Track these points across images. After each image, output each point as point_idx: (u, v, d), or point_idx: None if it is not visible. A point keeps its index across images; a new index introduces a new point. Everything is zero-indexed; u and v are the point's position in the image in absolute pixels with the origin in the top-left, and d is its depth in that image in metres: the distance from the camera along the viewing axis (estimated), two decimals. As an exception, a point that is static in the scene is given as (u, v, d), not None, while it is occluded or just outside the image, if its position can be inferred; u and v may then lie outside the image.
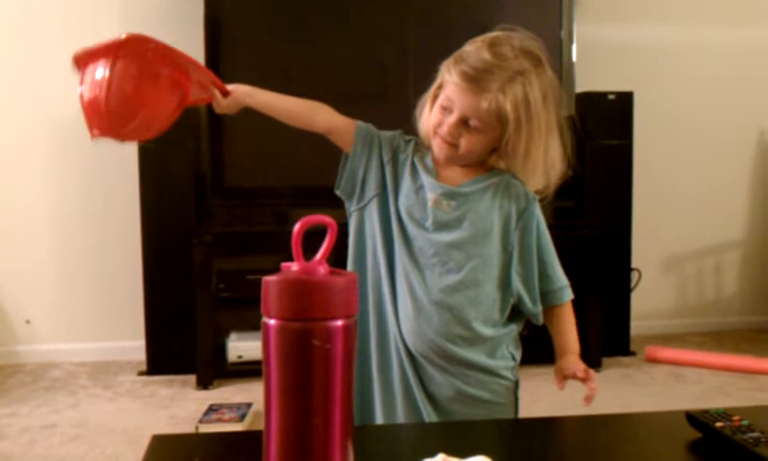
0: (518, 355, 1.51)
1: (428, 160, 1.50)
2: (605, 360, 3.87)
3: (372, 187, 1.52)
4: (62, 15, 3.94)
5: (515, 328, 1.50)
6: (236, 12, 3.77)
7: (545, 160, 1.45)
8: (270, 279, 0.68)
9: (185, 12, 3.81)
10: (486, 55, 1.40)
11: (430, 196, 1.46)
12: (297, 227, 0.69)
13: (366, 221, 1.51)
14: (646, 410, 1.24)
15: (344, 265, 0.65)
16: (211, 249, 3.62)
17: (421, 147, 1.53)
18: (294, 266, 0.69)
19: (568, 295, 1.52)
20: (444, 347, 1.43)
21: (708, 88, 4.51)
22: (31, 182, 3.99)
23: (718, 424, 0.98)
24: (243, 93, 1.52)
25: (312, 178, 3.77)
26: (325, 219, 0.71)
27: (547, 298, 1.50)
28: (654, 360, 3.93)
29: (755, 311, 4.70)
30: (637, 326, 4.19)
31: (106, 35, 4.31)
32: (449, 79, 1.43)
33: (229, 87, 1.51)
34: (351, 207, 1.55)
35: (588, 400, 1.41)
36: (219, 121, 3.69)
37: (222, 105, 1.51)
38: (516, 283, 1.46)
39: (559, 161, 1.47)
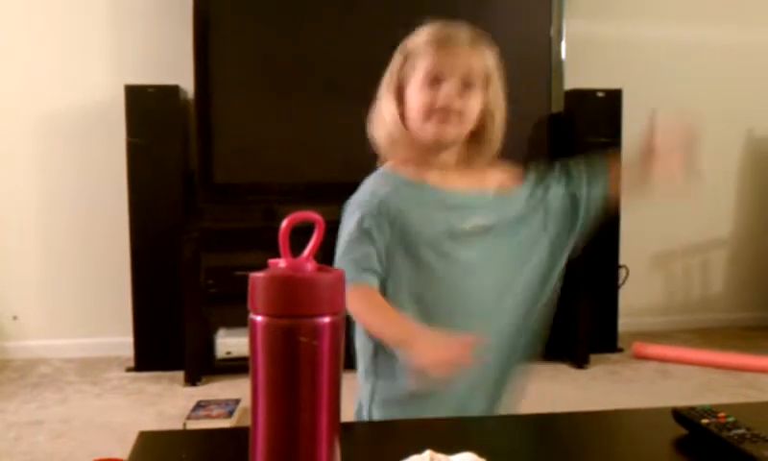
0: None
1: (426, 185, 1.38)
2: (592, 357, 3.89)
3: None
4: (50, 9, 3.92)
5: None
6: (225, 5, 3.76)
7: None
8: (257, 276, 0.68)
9: (175, 6, 3.79)
10: (443, 26, 1.40)
11: (468, 220, 1.37)
12: (284, 223, 0.69)
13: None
14: (633, 407, 1.24)
15: (330, 262, 0.64)
16: (199, 245, 3.62)
17: (398, 178, 1.39)
18: (281, 263, 0.69)
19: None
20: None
21: (697, 86, 4.52)
22: (18, 179, 3.97)
23: (704, 421, 0.98)
24: None
25: (300, 174, 3.78)
26: (313, 216, 0.71)
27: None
28: (640, 357, 3.95)
29: (741, 308, 4.72)
30: (625, 323, 4.20)
31: (94, 28, 4.27)
32: (423, 56, 1.37)
33: None
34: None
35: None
36: (208, 118, 3.68)
37: None
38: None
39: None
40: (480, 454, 0.86)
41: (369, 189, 1.40)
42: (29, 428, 3.00)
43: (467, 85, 1.36)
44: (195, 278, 3.61)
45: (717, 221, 4.70)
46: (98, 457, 2.63)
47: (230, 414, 3.01)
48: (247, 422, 0.70)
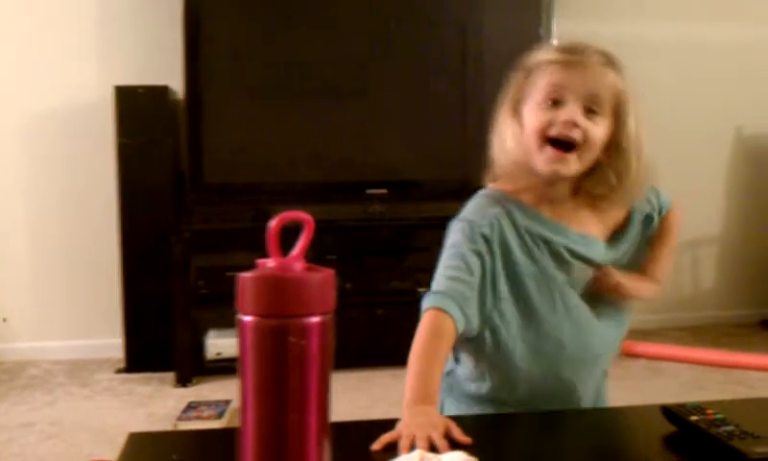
0: None
1: (542, 216, 1.30)
2: (583, 355, 3.89)
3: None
4: (40, 10, 3.90)
5: None
6: (215, 5, 3.75)
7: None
8: (245, 276, 0.68)
9: (164, 6, 3.78)
10: (570, 43, 1.28)
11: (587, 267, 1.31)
12: (273, 223, 0.69)
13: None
14: (623, 404, 1.25)
15: (321, 262, 0.63)
16: (189, 245, 3.61)
17: (512, 202, 1.30)
18: (270, 262, 0.69)
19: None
20: None
21: (686, 85, 4.54)
22: (7, 179, 3.94)
23: (693, 418, 0.98)
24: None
25: (291, 175, 3.78)
26: (302, 215, 0.71)
27: None
28: (629, 354, 3.96)
29: (731, 306, 4.74)
30: (615, 321, 4.21)
31: (83, 29, 4.25)
32: (544, 72, 1.25)
33: None
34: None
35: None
36: (198, 118, 3.67)
37: None
38: None
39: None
40: (471, 452, 0.86)
41: (480, 210, 1.30)
42: (19, 430, 2.98)
43: (590, 110, 1.23)
44: (185, 278, 3.60)
45: (707, 219, 4.72)
46: (89, 459, 2.62)
47: (221, 415, 3.00)
48: (238, 422, 0.70)
